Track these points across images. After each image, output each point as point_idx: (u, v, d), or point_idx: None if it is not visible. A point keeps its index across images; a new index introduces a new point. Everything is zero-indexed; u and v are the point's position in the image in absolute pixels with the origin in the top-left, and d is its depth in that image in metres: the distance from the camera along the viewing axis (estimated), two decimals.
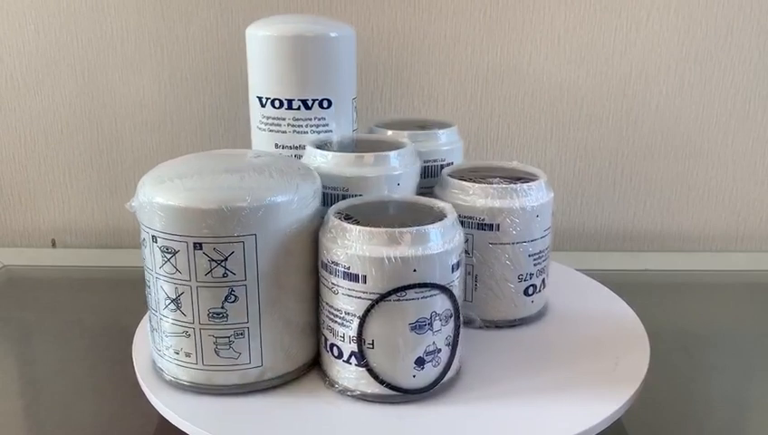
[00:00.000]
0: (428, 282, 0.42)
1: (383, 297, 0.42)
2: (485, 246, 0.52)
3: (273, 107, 0.57)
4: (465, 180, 0.53)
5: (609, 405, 0.44)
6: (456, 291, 0.45)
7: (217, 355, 0.44)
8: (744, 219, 0.78)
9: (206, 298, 0.43)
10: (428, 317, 0.43)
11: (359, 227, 0.42)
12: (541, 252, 0.54)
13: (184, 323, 0.44)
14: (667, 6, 0.73)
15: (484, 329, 0.54)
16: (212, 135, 0.75)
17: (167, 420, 0.43)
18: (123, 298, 0.69)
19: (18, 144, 0.78)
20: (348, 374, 0.45)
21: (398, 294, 0.42)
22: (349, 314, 0.43)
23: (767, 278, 0.77)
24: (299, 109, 0.57)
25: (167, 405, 0.44)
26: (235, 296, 0.43)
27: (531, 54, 0.74)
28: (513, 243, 0.52)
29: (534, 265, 0.54)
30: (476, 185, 0.52)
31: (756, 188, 0.78)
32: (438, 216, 0.45)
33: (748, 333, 0.65)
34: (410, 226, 0.43)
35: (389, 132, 0.61)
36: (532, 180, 0.54)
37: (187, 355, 0.45)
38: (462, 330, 0.47)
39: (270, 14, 0.60)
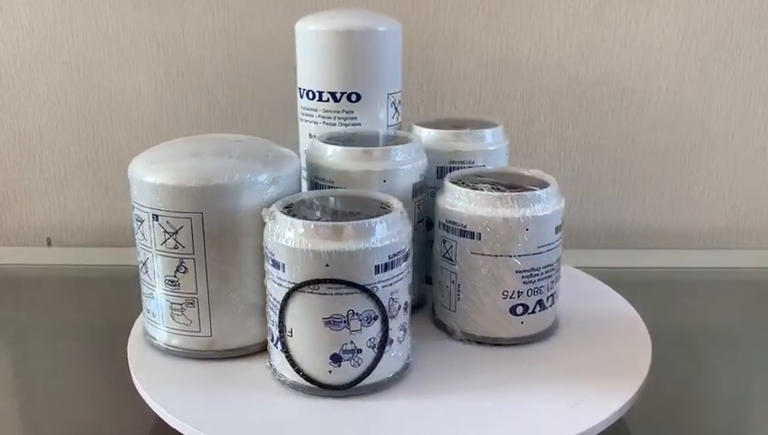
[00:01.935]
0: (341, 279, 0.42)
1: (297, 287, 0.43)
2: (467, 255, 0.50)
3: (308, 98, 0.59)
4: (458, 184, 0.51)
5: (611, 403, 0.44)
6: (384, 294, 0.43)
7: (173, 319, 0.49)
8: (745, 216, 0.77)
9: (162, 266, 0.48)
10: (344, 315, 0.43)
11: (284, 217, 0.43)
12: (533, 270, 0.49)
13: (150, 286, 0.49)
14: (667, 1, 0.72)
15: (465, 342, 0.51)
16: (208, 132, 0.72)
17: (163, 420, 0.44)
18: (119, 297, 0.66)
19: (12, 141, 0.77)
20: (276, 358, 0.46)
21: (311, 286, 0.42)
22: (275, 299, 0.44)
23: None
24: (328, 101, 0.58)
25: (160, 405, 0.44)
26: (185, 268, 0.47)
27: (530, 50, 0.73)
28: (495, 255, 0.49)
29: (524, 283, 0.50)
30: (463, 190, 0.50)
31: (757, 184, 0.77)
32: (378, 215, 0.44)
33: (750, 330, 0.64)
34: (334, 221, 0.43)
35: (427, 131, 0.59)
36: (531, 190, 0.49)
37: (153, 315, 0.50)
38: (401, 336, 0.45)
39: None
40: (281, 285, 0.43)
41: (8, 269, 0.77)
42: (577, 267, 0.64)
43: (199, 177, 0.45)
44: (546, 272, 0.50)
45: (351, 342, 0.43)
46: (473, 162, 0.58)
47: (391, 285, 0.44)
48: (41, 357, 0.60)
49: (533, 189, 0.50)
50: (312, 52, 0.58)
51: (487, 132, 0.59)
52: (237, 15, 0.72)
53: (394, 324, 0.45)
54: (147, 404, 0.45)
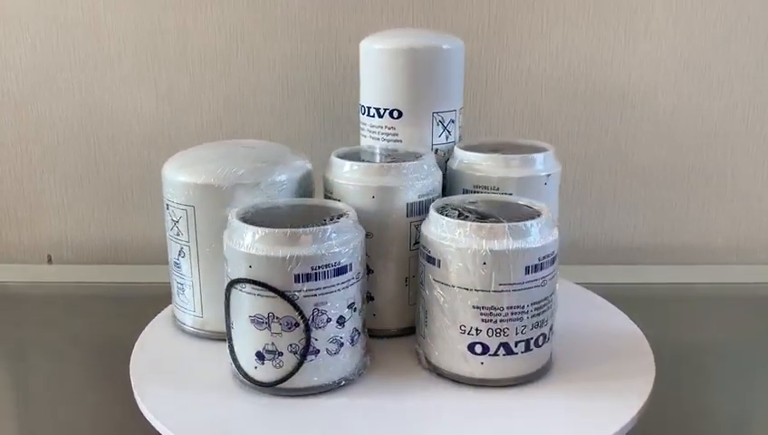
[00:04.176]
0: (260, 281, 0.44)
1: (232, 284, 0.46)
2: (431, 282, 0.48)
3: (361, 113, 0.62)
4: (439, 210, 0.49)
5: (612, 424, 0.44)
6: (306, 303, 0.45)
7: (178, 296, 0.55)
8: (745, 231, 0.78)
9: (171, 248, 0.55)
10: (266, 316, 0.45)
11: (232, 220, 0.47)
12: (494, 309, 0.46)
13: (171, 265, 0.56)
14: (665, 18, 0.73)
15: (428, 372, 0.50)
16: None
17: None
18: (120, 314, 0.66)
19: (14, 159, 0.77)
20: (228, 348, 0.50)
21: (240, 284, 0.46)
22: (224, 291, 0.48)
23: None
24: (374, 116, 0.60)
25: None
26: (184, 253, 0.54)
27: (529, 67, 0.74)
28: (452, 286, 0.47)
29: (483, 320, 0.46)
30: (435, 215, 0.48)
31: (756, 199, 0.78)
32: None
33: (752, 345, 0.66)
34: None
35: (464, 154, 0.58)
36: (498, 222, 0.46)
37: (173, 289, 0.57)
38: (334, 348, 0.46)
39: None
40: (226, 279, 0.47)
41: (9, 287, 0.76)
42: (577, 283, 0.63)
43: (193, 176, 0.52)
44: (513, 314, 0.46)
45: (273, 343, 0.46)
46: (497, 188, 0.55)
47: (316, 296, 0.45)
48: (41, 373, 0.62)
49: (501, 221, 0.46)
50: (363, 68, 0.60)
51: (538, 157, 0.56)
52: (238, 34, 0.72)
53: (321, 335, 0.46)
54: (149, 422, 0.46)
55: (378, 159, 0.56)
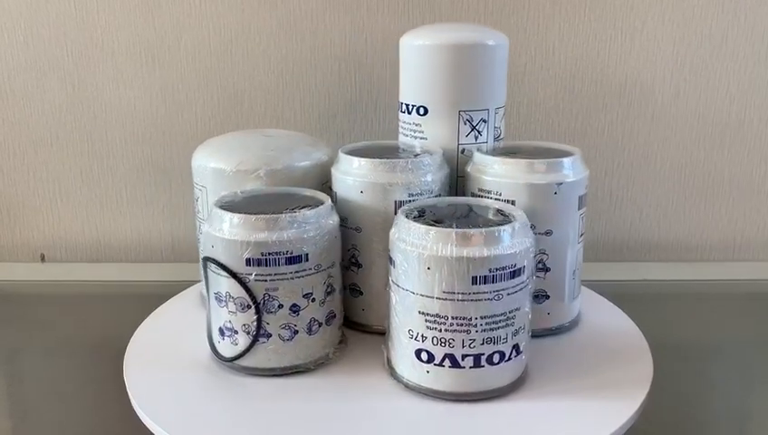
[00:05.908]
0: (217, 260, 0.47)
1: (205, 261, 0.49)
2: (389, 282, 0.47)
3: (397, 108, 0.62)
4: (408, 211, 0.48)
5: (611, 420, 0.44)
6: (257, 287, 0.46)
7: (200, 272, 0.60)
8: (742, 228, 0.78)
9: (196, 224, 0.60)
10: (223, 295, 0.48)
11: (212, 206, 0.50)
12: (438, 317, 0.44)
13: None
14: (662, 16, 0.72)
15: (388, 373, 0.49)
16: None
17: None
18: (114, 313, 0.66)
19: (7, 157, 0.76)
20: None
21: (207, 263, 0.49)
22: None
23: (765, 287, 0.77)
24: (404, 112, 0.60)
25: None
26: (201, 231, 0.58)
27: (526, 65, 0.73)
28: (401, 287, 0.45)
29: (427, 328, 0.44)
30: (399, 215, 0.47)
31: (753, 196, 0.78)
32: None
33: (747, 342, 0.66)
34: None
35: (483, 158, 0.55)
36: (447, 227, 0.44)
37: None
38: (287, 334, 0.48)
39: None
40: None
41: (2, 285, 0.76)
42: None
43: (208, 160, 0.56)
44: (459, 325, 0.44)
45: (230, 321, 0.48)
46: (499, 194, 0.52)
47: (267, 281, 0.46)
48: (34, 372, 0.60)
49: (449, 226, 0.43)
50: (400, 65, 0.60)
51: (566, 161, 0.52)
52: (233, 30, 0.71)
53: (272, 320, 0.47)
54: (143, 423, 0.45)
55: (391, 156, 0.56)
